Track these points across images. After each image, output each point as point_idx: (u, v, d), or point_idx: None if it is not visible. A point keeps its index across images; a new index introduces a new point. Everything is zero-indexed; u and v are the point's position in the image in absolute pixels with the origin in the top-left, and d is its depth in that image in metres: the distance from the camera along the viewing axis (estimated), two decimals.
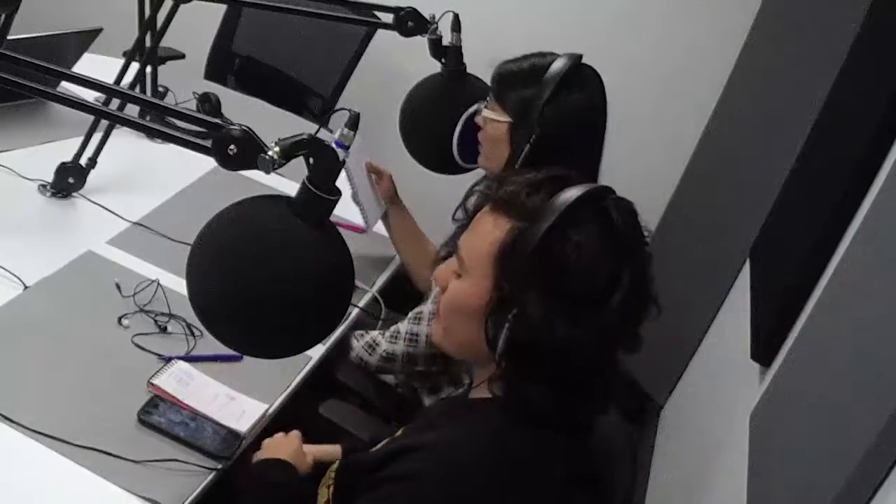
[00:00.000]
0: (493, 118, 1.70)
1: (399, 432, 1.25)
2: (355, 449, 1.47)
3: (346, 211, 1.89)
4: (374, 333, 1.78)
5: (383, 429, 1.73)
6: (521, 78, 1.68)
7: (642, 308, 1.10)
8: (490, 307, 1.07)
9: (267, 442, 1.42)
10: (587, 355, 1.07)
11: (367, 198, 1.94)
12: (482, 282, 1.09)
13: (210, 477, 1.31)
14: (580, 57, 1.68)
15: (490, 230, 1.09)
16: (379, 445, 1.25)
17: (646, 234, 1.13)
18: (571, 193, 1.06)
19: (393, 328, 1.77)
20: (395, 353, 1.74)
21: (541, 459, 1.10)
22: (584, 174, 1.67)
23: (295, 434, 1.44)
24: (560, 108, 1.63)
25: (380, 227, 2.03)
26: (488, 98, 1.74)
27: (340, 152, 1.04)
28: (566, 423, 1.12)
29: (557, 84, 1.62)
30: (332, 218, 1.06)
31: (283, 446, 1.41)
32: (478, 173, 1.83)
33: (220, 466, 1.33)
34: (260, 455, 1.40)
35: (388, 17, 1.94)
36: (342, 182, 1.05)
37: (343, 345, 1.77)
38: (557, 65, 1.65)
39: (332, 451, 1.49)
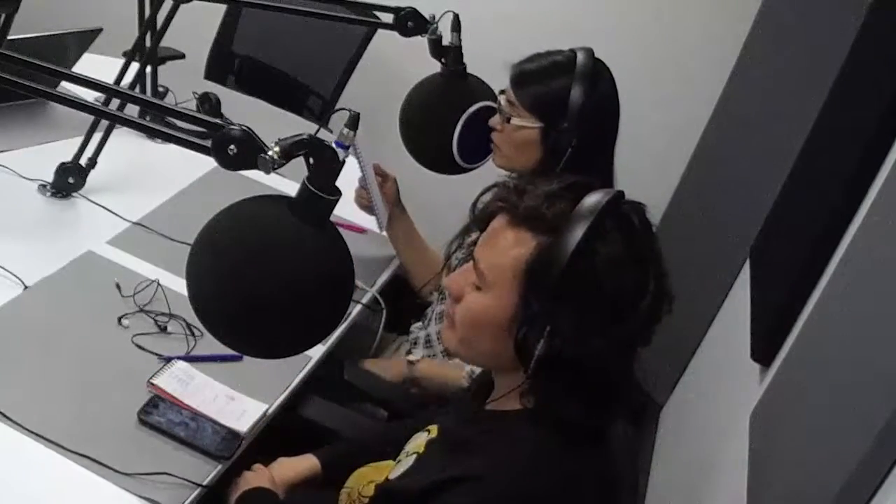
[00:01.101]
0: (521, 124, 1.67)
1: (420, 447, 1.24)
2: (334, 459, 1.46)
3: (346, 211, 1.89)
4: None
5: (367, 423, 1.72)
6: (544, 76, 1.66)
7: (664, 308, 1.10)
8: (519, 322, 1.07)
9: (239, 481, 1.42)
10: (617, 363, 1.08)
11: (378, 201, 1.94)
12: (506, 296, 1.08)
13: (208, 478, 1.31)
14: (592, 51, 1.68)
15: (512, 245, 1.09)
16: (406, 466, 1.23)
17: (654, 230, 1.13)
18: (593, 203, 1.06)
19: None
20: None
21: (578, 477, 1.11)
22: (607, 169, 1.69)
23: (258, 467, 1.44)
24: (594, 104, 1.62)
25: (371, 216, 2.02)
26: (505, 101, 1.70)
27: (340, 152, 1.04)
28: (595, 432, 1.13)
29: (590, 79, 1.61)
30: (332, 218, 1.06)
31: (257, 480, 1.42)
32: (478, 173, 1.83)
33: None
34: (239, 489, 1.39)
35: (388, 17, 1.94)
36: (342, 182, 1.05)
37: (344, 345, 1.77)
38: (582, 60, 1.63)
39: (309, 465, 1.48)
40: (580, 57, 1.64)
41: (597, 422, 1.12)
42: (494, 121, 1.73)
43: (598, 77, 1.65)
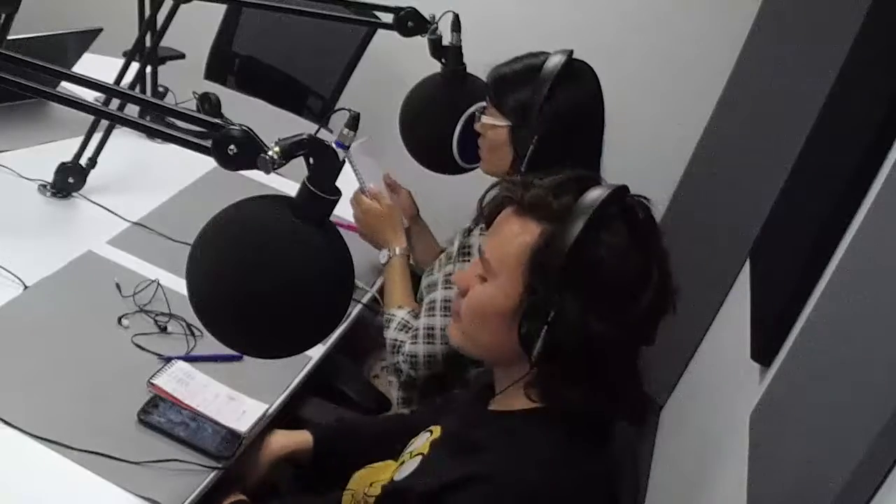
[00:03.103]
0: (492, 123, 1.69)
1: (424, 448, 1.24)
2: (326, 435, 1.48)
3: (346, 211, 1.89)
4: (408, 346, 1.71)
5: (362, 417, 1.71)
6: (516, 80, 1.67)
7: (667, 303, 1.11)
8: (523, 310, 1.07)
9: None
10: (621, 354, 1.08)
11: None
12: (511, 285, 1.09)
13: (210, 477, 1.31)
14: (572, 52, 1.68)
15: (518, 233, 1.10)
16: (412, 468, 1.22)
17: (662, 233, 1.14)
18: (598, 193, 1.07)
19: (412, 325, 1.71)
20: (417, 353, 1.69)
21: (589, 478, 1.11)
22: (589, 170, 1.68)
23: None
24: (558, 104, 1.62)
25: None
26: (485, 104, 1.73)
27: (340, 152, 1.04)
28: (600, 431, 1.13)
29: (553, 81, 1.62)
30: (332, 218, 1.06)
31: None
32: (478, 173, 1.84)
33: (220, 465, 1.33)
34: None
35: (388, 17, 1.94)
36: (342, 182, 1.05)
37: (343, 345, 1.77)
38: (552, 62, 1.64)
39: (302, 438, 1.50)
40: (552, 58, 1.64)
41: (600, 418, 1.12)
42: (478, 125, 1.74)
43: (570, 77, 1.64)
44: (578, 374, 1.08)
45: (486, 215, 1.19)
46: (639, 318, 1.07)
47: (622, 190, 1.10)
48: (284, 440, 1.49)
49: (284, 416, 1.54)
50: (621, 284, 1.05)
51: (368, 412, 1.76)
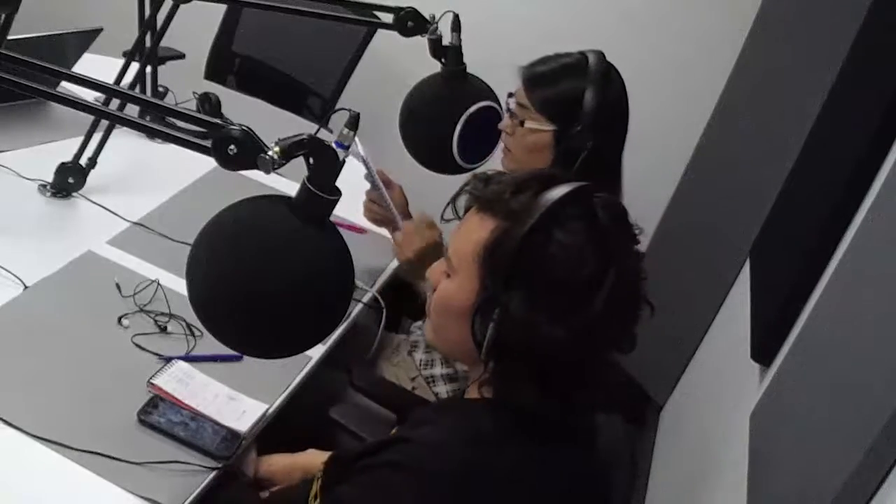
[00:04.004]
0: (534, 127, 1.65)
1: (393, 431, 1.26)
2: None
3: (346, 211, 1.89)
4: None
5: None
6: (556, 79, 1.64)
7: (631, 308, 1.09)
8: (476, 306, 1.07)
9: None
10: (573, 354, 1.06)
11: (391, 203, 1.93)
12: (469, 281, 1.09)
13: (210, 477, 1.31)
14: (603, 55, 1.66)
15: (475, 230, 1.09)
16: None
17: (637, 232, 1.12)
18: (556, 193, 1.06)
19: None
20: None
21: (524, 471, 1.09)
22: (617, 170, 1.68)
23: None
24: (606, 107, 1.61)
25: (381, 228, 2.02)
26: (515, 104, 1.69)
27: (340, 152, 1.04)
28: (557, 427, 1.11)
29: (602, 83, 1.60)
30: (332, 218, 1.06)
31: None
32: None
33: (220, 466, 1.33)
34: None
35: (388, 17, 1.94)
36: (342, 182, 1.05)
37: (344, 345, 1.77)
38: (595, 63, 1.62)
39: None
40: (592, 59, 1.63)
41: (555, 415, 1.10)
42: (504, 124, 1.72)
43: (610, 79, 1.64)
44: (529, 373, 1.06)
45: (461, 215, 1.19)
46: (591, 321, 1.03)
47: (584, 189, 1.09)
48: (321, 460, 1.49)
49: (284, 417, 1.54)
50: (572, 284, 1.03)
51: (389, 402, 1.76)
